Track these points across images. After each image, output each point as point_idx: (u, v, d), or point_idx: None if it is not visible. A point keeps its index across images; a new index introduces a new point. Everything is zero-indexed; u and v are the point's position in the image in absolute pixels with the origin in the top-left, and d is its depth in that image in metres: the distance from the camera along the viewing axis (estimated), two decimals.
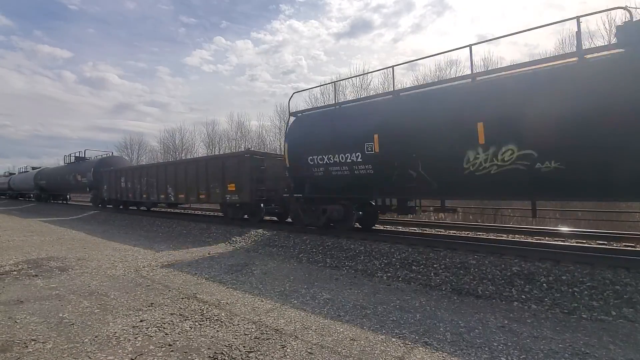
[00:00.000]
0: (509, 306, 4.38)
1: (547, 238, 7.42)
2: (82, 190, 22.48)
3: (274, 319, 3.84)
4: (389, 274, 5.74)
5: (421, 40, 65.53)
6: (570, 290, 4.49)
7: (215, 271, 6.12)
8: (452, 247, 6.30)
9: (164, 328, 3.55)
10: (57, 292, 4.81)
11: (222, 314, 3.97)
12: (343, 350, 3.11)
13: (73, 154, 24.38)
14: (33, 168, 33.32)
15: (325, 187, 8.19)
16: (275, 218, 11.74)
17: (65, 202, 28.38)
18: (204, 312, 4.04)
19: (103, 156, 22.67)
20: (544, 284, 4.70)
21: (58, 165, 35.99)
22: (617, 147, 4.71)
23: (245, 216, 11.12)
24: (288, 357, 2.98)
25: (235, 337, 3.37)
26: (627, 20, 5.18)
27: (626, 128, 4.62)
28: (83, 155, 23.78)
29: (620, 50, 4.98)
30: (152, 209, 17.81)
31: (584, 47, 5.43)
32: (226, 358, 2.95)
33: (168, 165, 14.10)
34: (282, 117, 37.25)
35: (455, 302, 4.56)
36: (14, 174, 38.41)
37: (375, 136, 7.03)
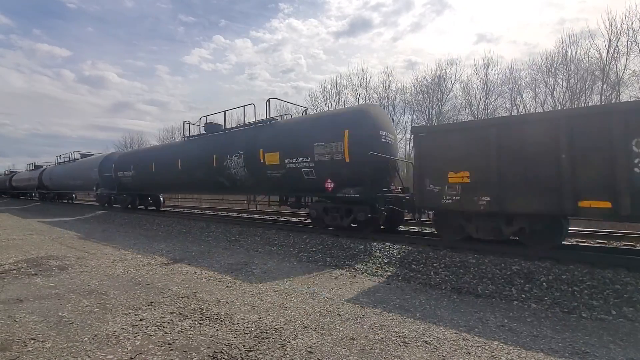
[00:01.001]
0: (508, 305, 4.38)
1: None
2: (291, 187, 8.98)
3: (274, 318, 3.84)
4: (389, 273, 5.74)
5: (421, 39, 65.54)
6: (570, 289, 4.49)
7: (214, 270, 6.11)
8: (452, 246, 6.29)
9: (164, 327, 3.55)
10: (56, 291, 4.80)
11: (222, 313, 3.96)
12: (343, 350, 3.10)
13: (202, 119, 12.23)
14: (82, 155, 23.75)
15: None
16: None
17: (156, 208, 17.38)
18: (204, 311, 4.03)
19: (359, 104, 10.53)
20: (544, 283, 4.70)
21: (153, 145, 25.80)
22: None
23: None
24: (288, 356, 2.98)
25: (235, 336, 3.37)
26: None
27: None
28: (270, 116, 10.08)
29: None
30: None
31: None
32: (226, 357, 2.94)
33: None
34: (282, 115, 37.36)
35: (455, 301, 4.56)
36: (42, 167, 30.09)
37: None
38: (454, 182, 6.16)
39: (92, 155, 23.66)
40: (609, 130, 4.81)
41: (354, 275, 5.79)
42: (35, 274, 5.67)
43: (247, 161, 9.58)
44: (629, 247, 6.36)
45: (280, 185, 9.15)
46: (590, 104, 23.30)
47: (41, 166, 31.11)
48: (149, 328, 3.51)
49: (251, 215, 14.48)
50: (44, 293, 4.69)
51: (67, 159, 24.67)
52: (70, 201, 27.51)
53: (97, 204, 20.70)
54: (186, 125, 13.44)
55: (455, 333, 3.50)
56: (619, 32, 22.93)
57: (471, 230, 6.26)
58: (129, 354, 2.97)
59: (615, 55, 23.01)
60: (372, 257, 6.38)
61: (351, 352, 3.07)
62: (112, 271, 5.94)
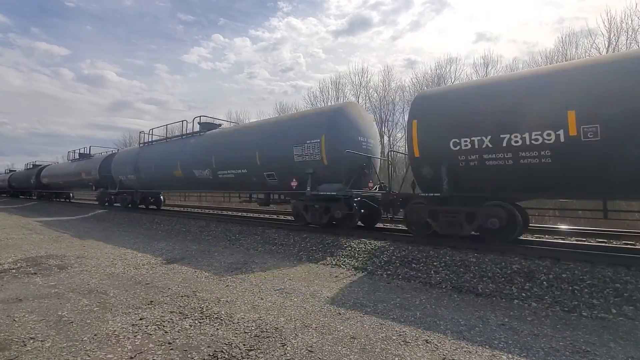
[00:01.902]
0: (509, 304, 4.37)
1: (546, 236, 7.42)
2: None
3: (274, 317, 3.83)
4: (389, 272, 5.73)
5: (420, 37, 65.52)
6: (570, 288, 4.49)
7: (214, 269, 6.10)
8: (452, 245, 6.29)
9: (164, 326, 3.54)
10: (56, 290, 4.79)
11: (222, 312, 3.95)
12: (343, 349, 3.10)
13: None
14: (203, 127, 12.65)
15: None
16: None
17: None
18: (204, 310, 4.02)
19: None
20: (544, 282, 4.69)
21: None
22: None
23: None
24: (288, 355, 2.97)
25: (235, 335, 3.36)
26: None
27: None
28: None
29: None
30: None
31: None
32: (226, 356, 2.93)
33: None
34: (281, 114, 37.12)
35: (455, 300, 4.56)
36: (92, 155, 21.08)
37: None
38: None
39: (248, 126, 11.31)
40: None
41: (354, 275, 5.79)
42: (35, 273, 5.65)
43: None
44: (628, 246, 6.36)
45: None
46: None
47: (90, 155, 21.45)
48: (149, 327, 3.51)
49: (251, 214, 14.47)
50: (43, 292, 4.67)
51: (162, 137, 14.58)
52: (156, 207, 17.45)
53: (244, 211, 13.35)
54: None
55: (456, 332, 3.49)
56: (618, 31, 22.92)
57: None
58: (129, 353, 2.96)
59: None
60: (373, 257, 6.38)
61: (352, 351, 3.06)
62: (112, 270, 5.93)
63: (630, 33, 22.87)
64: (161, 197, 17.69)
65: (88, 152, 22.01)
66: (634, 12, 22.47)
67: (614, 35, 23.27)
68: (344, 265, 6.31)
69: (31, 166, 31.02)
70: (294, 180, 8.64)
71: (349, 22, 76.34)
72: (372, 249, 6.66)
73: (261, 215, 13.94)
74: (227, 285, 5.09)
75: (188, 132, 12.92)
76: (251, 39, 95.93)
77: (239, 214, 14.87)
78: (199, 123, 12.83)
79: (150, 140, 15.20)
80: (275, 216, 13.56)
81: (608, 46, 23.61)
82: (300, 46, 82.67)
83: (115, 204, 18.11)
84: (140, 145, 15.63)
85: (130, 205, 16.63)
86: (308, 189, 8.16)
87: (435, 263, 5.69)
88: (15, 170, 37.90)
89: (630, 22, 22.72)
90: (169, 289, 4.87)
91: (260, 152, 9.41)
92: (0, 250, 7.66)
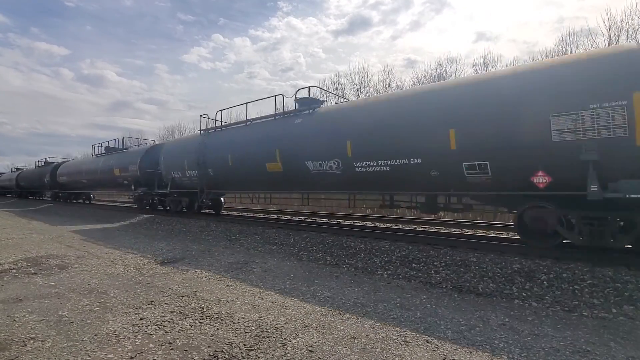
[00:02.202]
0: (509, 304, 4.37)
1: None
2: None
3: (275, 317, 3.83)
4: (390, 272, 5.73)
5: (420, 37, 65.54)
6: (570, 287, 4.49)
7: (215, 269, 6.10)
8: (453, 245, 6.29)
9: (164, 326, 3.54)
10: (56, 290, 4.79)
11: (223, 312, 3.95)
12: (344, 349, 3.10)
13: None
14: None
15: None
16: None
17: None
18: (204, 310, 4.02)
19: None
20: (545, 282, 4.69)
21: None
22: None
23: None
24: (288, 355, 2.97)
25: (236, 335, 3.36)
26: None
27: None
28: None
29: None
30: None
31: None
32: (227, 356, 2.93)
33: None
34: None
35: (455, 299, 4.55)
36: (131, 146, 18.06)
37: None
38: None
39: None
40: None
41: (355, 274, 5.79)
42: (35, 273, 5.65)
43: None
44: (628, 246, 6.34)
45: None
46: None
47: (122, 148, 17.45)
48: (150, 327, 3.51)
49: (250, 214, 14.44)
50: (43, 292, 4.67)
51: (233, 122, 12.04)
52: (214, 212, 13.89)
53: None
54: None
55: (457, 332, 3.49)
56: (618, 30, 22.89)
57: None
58: (129, 353, 2.96)
59: None
60: (373, 257, 6.37)
61: (352, 351, 3.06)
62: (112, 270, 5.93)
63: (631, 32, 22.83)
64: (222, 199, 13.93)
65: (120, 145, 17.74)
66: (634, 11, 22.44)
67: (614, 34, 23.24)
68: (344, 265, 6.27)
69: (42, 164, 27.07)
70: (542, 174, 5.27)
71: (349, 22, 76.47)
72: (371, 248, 6.63)
73: (261, 215, 13.94)
74: (227, 285, 5.09)
75: (287, 110, 9.39)
76: (251, 39, 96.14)
77: (239, 214, 14.87)
78: (297, 100, 9.31)
79: (218, 125, 11.54)
80: (275, 216, 13.55)
81: (608, 45, 23.60)
82: (300, 46, 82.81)
83: (159, 207, 14.46)
84: (202, 132, 11.83)
85: (185, 210, 13.11)
86: (593, 187, 4.81)
87: (435, 263, 5.67)
88: (22, 169, 34.29)
89: (630, 21, 22.69)
90: (170, 289, 4.87)
91: (458, 129, 5.83)
92: (1, 250, 7.66)
